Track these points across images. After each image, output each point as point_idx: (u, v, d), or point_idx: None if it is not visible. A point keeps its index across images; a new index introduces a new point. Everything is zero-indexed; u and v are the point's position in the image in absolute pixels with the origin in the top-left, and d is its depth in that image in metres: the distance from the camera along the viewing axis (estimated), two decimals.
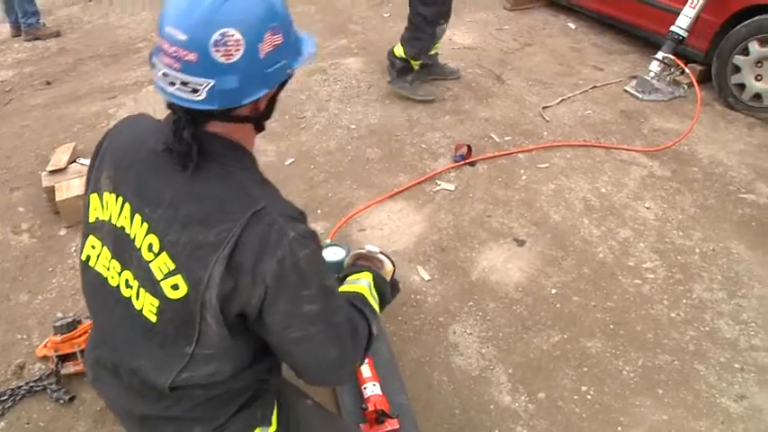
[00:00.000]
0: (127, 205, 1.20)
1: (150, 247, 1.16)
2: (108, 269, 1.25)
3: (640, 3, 4.58)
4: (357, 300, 1.43)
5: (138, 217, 1.18)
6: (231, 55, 1.07)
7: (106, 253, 1.25)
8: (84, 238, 1.30)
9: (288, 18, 1.18)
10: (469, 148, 3.36)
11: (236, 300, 1.12)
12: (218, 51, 1.06)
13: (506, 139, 3.62)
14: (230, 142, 1.21)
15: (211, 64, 1.07)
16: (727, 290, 2.62)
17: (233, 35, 1.07)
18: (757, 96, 3.90)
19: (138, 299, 1.20)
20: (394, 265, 1.68)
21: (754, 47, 3.81)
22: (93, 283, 1.28)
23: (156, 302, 1.17)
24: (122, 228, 1.20)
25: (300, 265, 1.13)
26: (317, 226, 2.86)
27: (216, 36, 1.06)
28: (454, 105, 3.96)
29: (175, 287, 1.14)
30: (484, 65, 4.54)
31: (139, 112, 3.97)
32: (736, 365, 2.28)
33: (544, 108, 3.97)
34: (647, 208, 3.09)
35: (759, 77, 3.86)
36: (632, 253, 2.79)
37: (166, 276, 1.14)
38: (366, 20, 5.41)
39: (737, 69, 3.95)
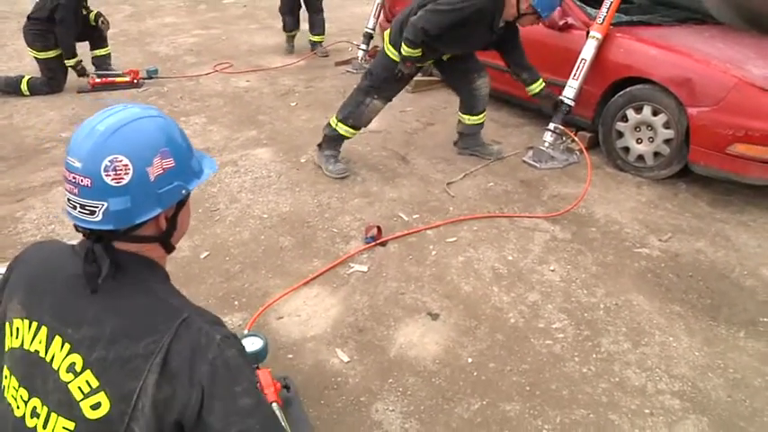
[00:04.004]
0: (43, 329, 1.23)
1: (71, 367, 1.18)
2: (14, 398, 1.24)
3: None
4: None
5: (57, 339, 1.21)
6: (121, 178, 1.18)
7: (14, 382, 1.25)
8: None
9: (180, 144, 1.30)
10: (379, 228, 3.46)
11: (174, 406, 1.15)
12: (108, 176, 1.17)
13: (414, 217, 3.75)
14: (144, 259, 1.30)
15: (103, 187, 1.17)
16: (632, 340, 2.76)
17: (121, 160, 1.17)
18: (641, 158, 4.23)
19: (45, 428, 1.19)
20: None
21: (631, 114, 4.18)
22: None
23: (72, 425, 1.17)
24: (36, 352, 1.22)
25: (230, 363, 1.20)
26: (235, 318, 2.87)
27: (106, 162, 1.16)
28: (362, 188, 4.09)
29: (96, 406, 1.15)
30: (389, 147, 4.74)
31: (49, 214, 3.89)
32: (646, 411, 2.39)
33: (449, 184, 4.15)
34: (552, 270, 3.25)
35: (639, 141, 4.20)
36: (542, 315, 2.92)
37: (87, 396, 1.16)
38: (273, 110, 5.58)
39: (621, 134, 4.29)
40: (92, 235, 1.24)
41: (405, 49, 3.82)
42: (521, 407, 2.41)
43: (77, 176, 1.18)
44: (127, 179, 1.18)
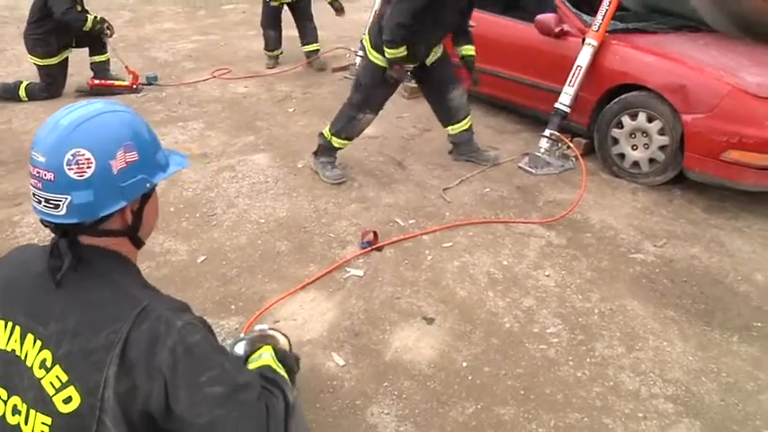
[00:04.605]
0: (17, 328, 1.24)
1: (43, 363, 1.20)
2: None
3: (527, 86, 4.97)
4: (266, 371, 1.47)
5: (30, 336, 1.22)
6: (84, 172, 1.19)
7: None
8: None
9: (145, 138, 1.31)
10: (375, 233, 3.48)
11: (136, 398, 1.16)
12: (70, 169, 1.18)
13: (410, 222, 3.77)
14: (110, 252, 1.30)
15: (66, 181, 1.19)
16: (626, 345, 2.78)
17: (84, 154, 1.19)
18: (636, 164, 4.25)
19: (26, 423, 1.21)
20: (288, 338, 1.75)
21: (626, 121, 4.21)
22: None
23: (49, 420, 1.19)
24: (12, 351, 1.24)
25: (193, 350, 1.19)
26: (232, 322, 2.88)
27: (68, 156, 1.18)
28: (359, 194, 4.12)
29: (67, 400, 1.17)
30: (386, 152, 4.77)
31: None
32: (640, 414, 2.41)
33: (445, 190, 4.18)
34: (547, 276, 3.26)
35: (635, 147, 4.23)
36: (536, 320, 2.93)
37: (58, 390, 1.18)
38: (271, 116, 5.60)
39: (616, 141, 4.32)
40: (58, 230, 1.25)
41: (389, 52, 3.80)
42: (515, 411, 2.43)
43: (41, 171, 1.19)
44: (89, 173, 1.20)
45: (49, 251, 1.25)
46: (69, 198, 1.19)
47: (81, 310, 1.21)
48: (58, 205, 1.20)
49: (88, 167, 1.19)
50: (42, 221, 1.26)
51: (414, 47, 3.91)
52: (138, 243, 1.39)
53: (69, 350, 1.18)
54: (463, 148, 4.60)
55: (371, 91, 4.08)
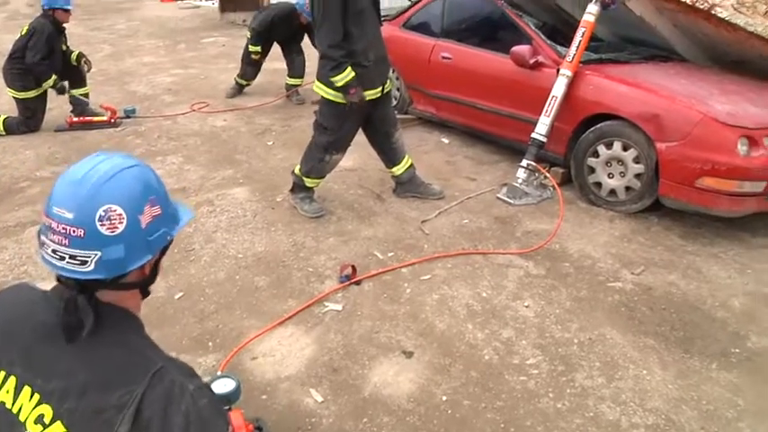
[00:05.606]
0: (11, 379, 1.21)
1: (39, 418, 1.16)
2: None
3: (504, 116, 5.02)
4: None
5: (26, 389, 1.19)
6: (116, 227, 1.19)
7: None
8: None
9: (163, 191, 1.32)
10: (354, 267, 3.48)
11: None
12: (102, 225, 1.17)
13: (389, 255, 3.77)
14: (121, 310, 1.29)
15: (98, 237, 1.18)
16: (606, 375, 2.78)
17: (115, 210, 1.18)
18: (613, 192, 4.30)
19: None
20: None
21: (602, 150, 4.26)
22: None
23: None
24: (2, 403, 1.20)
25: (203, 414, 1.19)
26: (209, 358, 2.85)
27: (100, 212, 1.17)
28: (338, 227, 4.11)
29: None
30: (365, 185, 4.78)
31: (22, 255, 3.85)
32: None
33: (423, 222, 4.18)
34: (527, 306, 3.27)
35: (611, 175, 4.28)
36: (516, 351, 2.93)
37: None
38: (250, 149, 5.61)
39: (592, 170, 4.36)
40: (76, 285, 1.22)
41: (338, 79, 3.78)
42: None
43: (68, 227, 1.17)
44: (121, 228, 1.19)
45: (57, 303, 1.22)
46: (99, 254, 1.19)
47: (91, 369, 1.19)
48: (86, 261, 1.18)
49: (120, 223, 1.19)
50: (60, 277, 1.25)
51: (362, 67, 3.86)
52: (146, 294, 1.39)
53: (74, 407, 1.16)
54: (408, 186, 4.56)
55: (337, 131, 4.07)
